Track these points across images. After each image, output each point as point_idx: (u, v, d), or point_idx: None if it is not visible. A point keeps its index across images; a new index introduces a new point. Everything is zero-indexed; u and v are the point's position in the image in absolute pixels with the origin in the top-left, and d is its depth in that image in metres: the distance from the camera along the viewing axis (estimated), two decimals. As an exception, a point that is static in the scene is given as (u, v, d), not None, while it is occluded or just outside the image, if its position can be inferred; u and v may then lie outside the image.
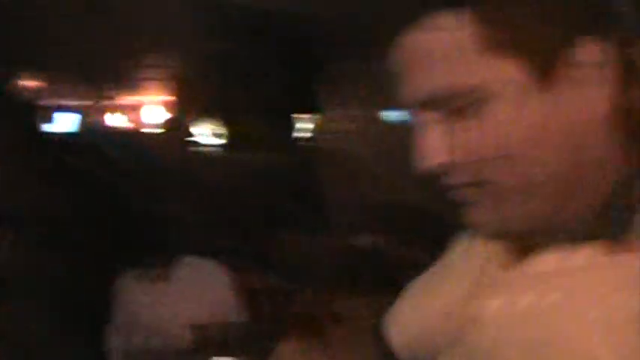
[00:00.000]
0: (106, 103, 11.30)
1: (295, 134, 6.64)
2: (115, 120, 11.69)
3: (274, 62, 5.65)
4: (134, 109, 12.40)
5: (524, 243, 0.94)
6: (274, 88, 5.83)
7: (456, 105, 0.86)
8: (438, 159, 0.88)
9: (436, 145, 0.88)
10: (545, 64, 0.85)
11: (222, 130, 7.10)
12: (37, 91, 6.78)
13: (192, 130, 7.34)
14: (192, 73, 7.44)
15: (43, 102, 7.35)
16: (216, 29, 5.37)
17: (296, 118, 6.65)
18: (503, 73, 0.85)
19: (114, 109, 12.23)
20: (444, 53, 0.85)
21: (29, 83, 6.54)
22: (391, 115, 5.26)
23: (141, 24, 6.10)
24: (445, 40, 0.85)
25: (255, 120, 6.13)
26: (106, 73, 9.15)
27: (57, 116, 8.61)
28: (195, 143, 7.22)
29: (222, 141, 7.17)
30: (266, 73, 5.77)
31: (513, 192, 0.87)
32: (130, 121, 12.49)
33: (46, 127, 6.85)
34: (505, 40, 0.84)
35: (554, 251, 0.91)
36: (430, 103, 0.89)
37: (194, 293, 2.97)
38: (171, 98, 9.80)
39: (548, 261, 0.91)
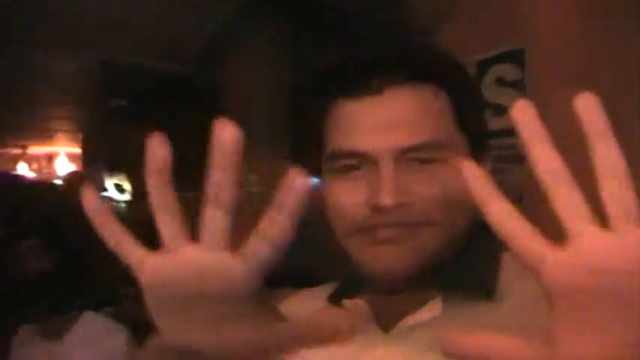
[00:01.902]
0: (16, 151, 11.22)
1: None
2: (22, 169, 11.59)
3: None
4: (45, 159, 12.31)
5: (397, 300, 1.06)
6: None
7: (420, 156, 1.01)
8: (397, 198, 0.98)
9: (397, 187, 0.99)
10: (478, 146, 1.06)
11: (128, 185, 7.14)
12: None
13: (105, 184, 7.32)
14: (99, 127, 7.49)
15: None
16: (120, 87, 5.50)
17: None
18: (456, 142, 1.04)
19: (23, 157, 12.13)
20: (424, 113, 1.03)
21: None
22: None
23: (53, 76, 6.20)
24: (422, 104, 1.03)
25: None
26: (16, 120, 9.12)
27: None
28: (107, 198, 7.20)
29: (127, 197, 7.19)
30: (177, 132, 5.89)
31: (433, 232, 1.01)
32: (37, 170, 12.38)
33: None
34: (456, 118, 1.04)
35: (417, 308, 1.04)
36: (401, 153, 1.01)
37: (89, 351, 2.88)
38: (79, 150, 9.81)
39: (413, 318, 1.04)
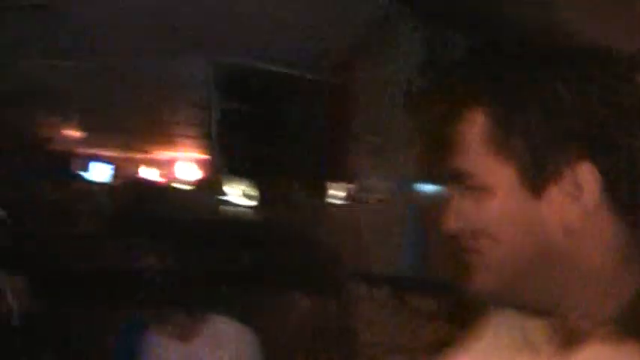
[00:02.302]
0: (140, 156, 11.44)
1: (328, 200, 6.60)
2: (148, 174, 11.80)
3: (310, 127, 5.75)
4: (168, 164, 12.53)
5: (563, 328, 1.01)
6: (310, 152, 5.88)
7: (468, 184, 1.01)
8: (454, 224, 1.02)
9: (454, 212, 1.02)
10: (535, 176, 0.98)
11: (254, 191, 7.10)
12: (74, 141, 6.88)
13: (225, 189, 7.34)
14: (224, 132, 7.48)
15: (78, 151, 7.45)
16: (246, 91, 5.46)
17: (329, 184, 6.63)
18: (497, 172, 0.99)
19: (147, 163, 12.36)
20: (464, 142, 1.01)
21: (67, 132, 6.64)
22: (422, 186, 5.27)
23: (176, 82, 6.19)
24: (465, 132, 1.01)
25: (288, 183, 6.14)
26: (140, 127, 9.29)
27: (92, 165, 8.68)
28: (227, 202, 7.21)
29: (253, 202, 7.17)
30: (304, 138, 5.85)
31: (500, 263, 1.00)
32: (162, 176, 12.60)
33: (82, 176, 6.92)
34: (504, 144, 0.98)
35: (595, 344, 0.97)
36: (452, 179, 1.03)
37: (220, 356, 2.91)
38: (204, 156, 9.89)
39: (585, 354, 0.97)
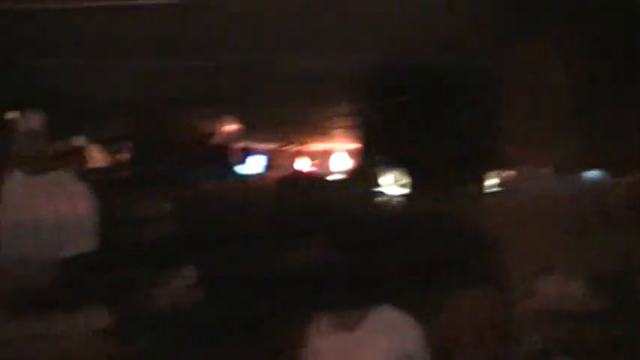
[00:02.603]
0: (294, 148, 11.64)
1: (484, 189, 6.51)
2: (301, 165, 11.98)
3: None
4: (321, 155, 12.68)
5: None
6: (465, 140, 5.83)
7: None
8: None
9: None
10: None
11: (409, 181, 7.09)
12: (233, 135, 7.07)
13: (379, 180, 7.34)
14: (378, 122, 7.51)
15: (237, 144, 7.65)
16: (399, 82, 5.46)
17: (484, 172, 6.54)
18: None
19: (301, 154, 12.55)
20: None
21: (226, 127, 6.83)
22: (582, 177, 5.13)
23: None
24: None
25: (441, 172, 6.11)
26: (293, 119, 9.45)
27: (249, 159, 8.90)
28: (380, 193, 7.23)
29: (406, 191, 7.15)
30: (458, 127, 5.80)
31: None
32: (315, 167, 12.76)
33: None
34: None
35: None
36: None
37: (385, 345, 2.91)
38: (357, 146, 9.94)
39: None
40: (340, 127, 9.94)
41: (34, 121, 2.62)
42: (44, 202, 2.61)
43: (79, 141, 8.17)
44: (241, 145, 8.32)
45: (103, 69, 5.83)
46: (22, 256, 2.19)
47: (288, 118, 9.10)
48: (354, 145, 10.72)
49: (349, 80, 6.48)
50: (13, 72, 5.54)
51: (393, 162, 7.16)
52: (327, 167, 11.74)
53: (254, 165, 8.82)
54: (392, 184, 7.38)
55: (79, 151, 4.64)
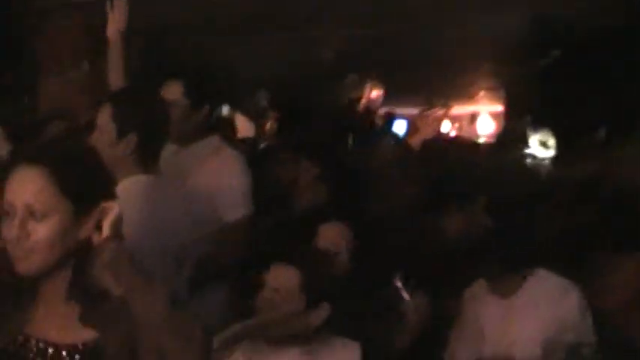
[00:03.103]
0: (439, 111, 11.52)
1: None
2: (447, 129, 11.86)
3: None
4: (467, 119, 12.53)
5: None
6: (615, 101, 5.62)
7: None
8: None
9: None
10: None
11: (552, 140, 6.91)
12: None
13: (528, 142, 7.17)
14: (525, 84, 7.34)
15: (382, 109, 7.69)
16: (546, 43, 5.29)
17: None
18: None
19: (446, 117, 12.42)
20: None
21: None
22: None
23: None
24: None
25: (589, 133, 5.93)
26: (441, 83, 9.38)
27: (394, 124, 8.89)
28: (530, 155, 7.07)
29: (551, 153, 6.98)
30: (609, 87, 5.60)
31: None
32: (462, 131, 12.61)
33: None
34: None
35: None
36: None
37: (544, 311, 2.85)
38: (504, 109, 9.77)
39: None
40: (486, 89, 9.79)
41: (176, 91, 2.68)
42: (196, 171, 2.69)
43: (226, 111, 8.45)
44: (386, 109, 8.34)
45: (249, 41, 5.97)
46: (182, 226, 2.27)
47: (432, 82, 9.05)
48: (499, 107, 10.54)
49: (498, 41, 6.36)
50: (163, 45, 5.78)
51: (542, 124, 6.99)
52: (474, 130, 11.59)
53: (398, 130, 8.80)
54: (542, 147, 7.22)
55: (227, 122, 4.79)
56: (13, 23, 4.87)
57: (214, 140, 2.80)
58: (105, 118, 2.31)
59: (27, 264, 1.50)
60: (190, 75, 2.67)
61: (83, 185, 1.52)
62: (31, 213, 1.48)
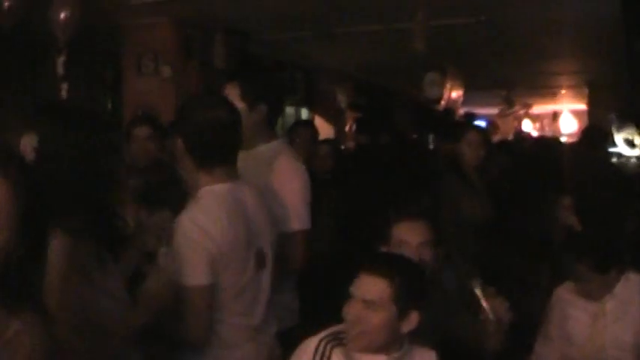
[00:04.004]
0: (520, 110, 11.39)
1: None
2: (527, 127, 11.70)
3: None
4: (549, 117, 12.34)
5: None
6: None
7: None
8: None
9: None
10: None
11: (638, 139, 6.75)
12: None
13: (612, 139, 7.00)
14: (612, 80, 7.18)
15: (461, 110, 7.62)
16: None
17: None
18: None
19: (531, 117, 12.27)
20: None
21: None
22: None
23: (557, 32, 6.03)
24: None
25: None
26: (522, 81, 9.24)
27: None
28: (615, 154, 6.91)
29: (637, 152, 6.82)
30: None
31: None
32: (544, 130, 12.43)
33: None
34: None
35: None
36: None
37: (635, 315, 2.77)
38: (587, 107, 9.56)
39: None
40: (568, 86, 9.59)
41: (233, 94, 2.66)
42: (259, 177, 2.67)
43: (306, 114, 8.48)
44: (465, 109, 8.28)
45: (329, 38, 5.94)
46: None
47: (514, 80, 8.92)
48: (581, 105, 10.33)
49: (580, 32, 6.20)
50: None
51: (627, 120, 6.84)
52: (557, 129, 11.40)
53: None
54: (627, 145, 7.07)
55: (307, 124, 4.78)
56: (101, 21, 4.96)
57: (277, 145, 2.76)
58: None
59: None
60: (245, 76, 2.69)
61: None
62: None
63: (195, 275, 2.01)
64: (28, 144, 1.74)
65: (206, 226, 2.05)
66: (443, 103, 6.63)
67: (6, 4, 3.95)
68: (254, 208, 2.24)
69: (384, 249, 2.30)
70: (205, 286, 2.02)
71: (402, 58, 6.05)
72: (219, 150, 2.19)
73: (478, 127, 4.65)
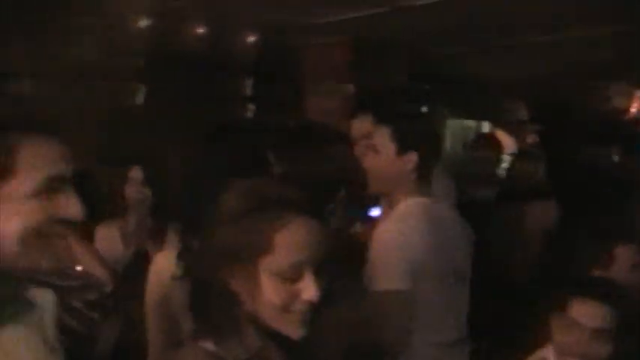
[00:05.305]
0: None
1: None
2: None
3: None
4: None
5: None
6: None
7: None
8: None
9: None
10: None
11: None
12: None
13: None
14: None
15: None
16: None
17: None
18: None
19: None
20: None
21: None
22: None
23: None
24: None
25: None
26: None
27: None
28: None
29: None
30: None
31: None
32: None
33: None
34: None
35: None
36: None
37: None
38: None
39: None
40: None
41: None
42: None
43: (486, 126, 8.35)
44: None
45: (499, 48, 5.86)
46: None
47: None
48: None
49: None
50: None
51: None
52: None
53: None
54: None
55: (491, 137, 4.75)
56: (281, 38, 5.09)
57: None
58: (383, 137, 2.24)
59: None
60: (401, 114, 2.48)
61: None
62: None
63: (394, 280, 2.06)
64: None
65: (408, 235, 2.10)
66: (632, 112, 6.41)
67: (198, 31, 4.20)
68: (450, 223, 2.27)
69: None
70: (403, 292, 2.06)
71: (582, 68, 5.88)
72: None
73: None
